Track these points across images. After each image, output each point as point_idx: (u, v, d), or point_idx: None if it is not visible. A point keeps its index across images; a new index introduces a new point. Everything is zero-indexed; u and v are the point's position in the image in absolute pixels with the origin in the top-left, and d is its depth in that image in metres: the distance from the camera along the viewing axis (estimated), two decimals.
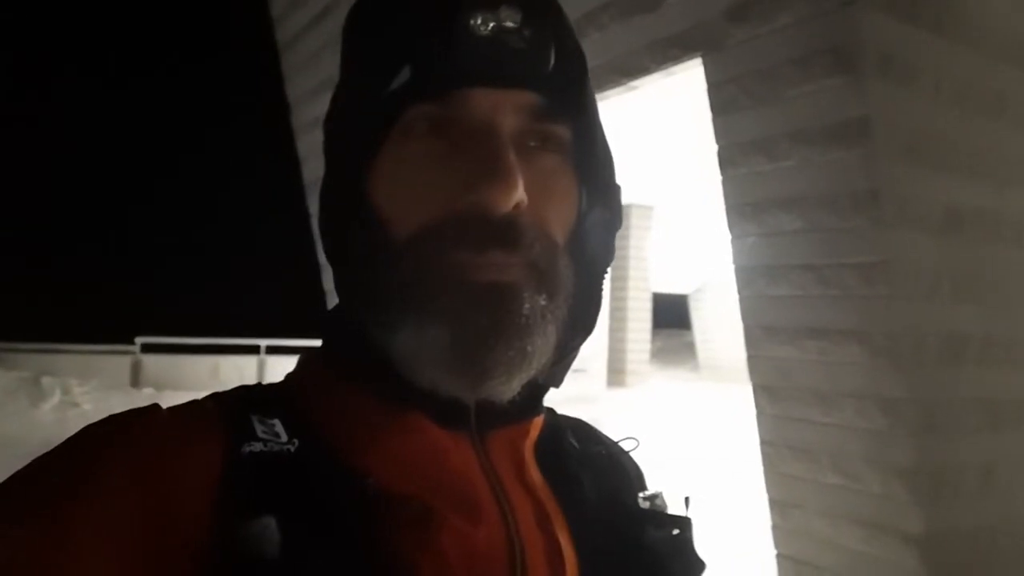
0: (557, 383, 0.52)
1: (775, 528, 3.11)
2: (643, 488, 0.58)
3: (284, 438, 0.44)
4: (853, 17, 2.53)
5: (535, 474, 0.50)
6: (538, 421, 0.52)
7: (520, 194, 0.43)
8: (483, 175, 0.43)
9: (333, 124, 0.50)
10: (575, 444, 0.56)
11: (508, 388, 0.44)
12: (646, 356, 15.15)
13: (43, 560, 0.36)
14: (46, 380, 10.34)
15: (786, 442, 3.00)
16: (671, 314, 20.58)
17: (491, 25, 0.44)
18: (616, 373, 13.84)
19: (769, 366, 3.03)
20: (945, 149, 2.71)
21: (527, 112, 0.46)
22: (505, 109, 0.45)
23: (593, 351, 7.73)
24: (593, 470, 0.55)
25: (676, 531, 0.54)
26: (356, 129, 0.47)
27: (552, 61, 0.46)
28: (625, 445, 0.61)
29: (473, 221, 0.43)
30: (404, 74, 0.44)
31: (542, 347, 0.45)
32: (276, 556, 0.39)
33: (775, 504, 3.09)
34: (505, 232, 0.43)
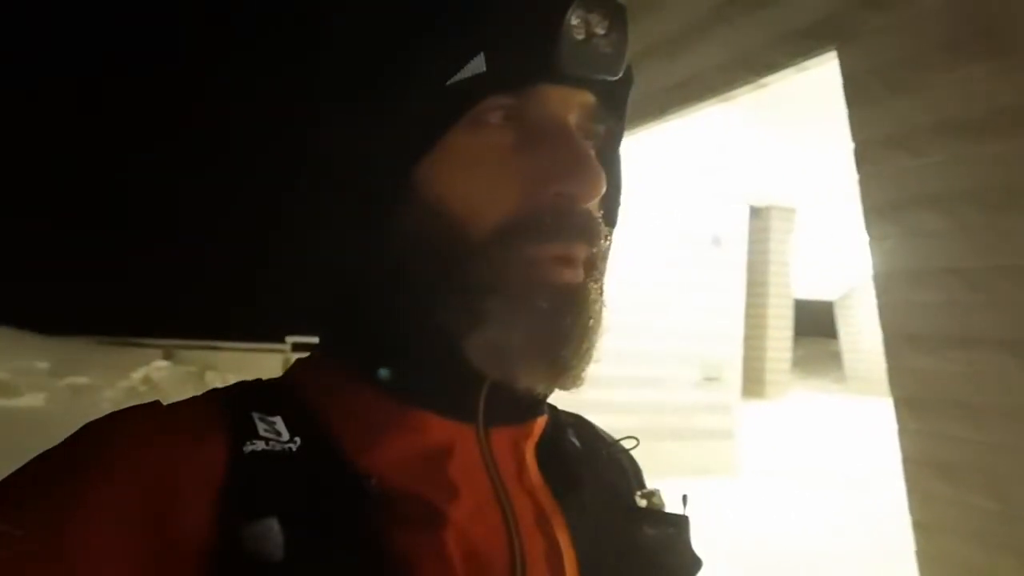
0: (576, 385, 0.52)
1: (919, 553, 2.88)
2: (641, 486, 0.58)
3: (286, 436, 0.44)
4: None
5: (535, 474, 0.50)
6: (542, 421, 0.52)
7: (604, 188, 0.45)
8: (573, 169, 0.44)
9: (365, 107, 0.47)
10: (576, 442, 0.56)
11: (580, 378, 0.46)
12: (787, 365, 14.46)
13: (44, 562, 0.37)
14: (209, 375, 11.30)
15: (931, 460, 2.77)
16: (816, 321, 19.55)
17: (585, 30, 0.45)
18: (753, 383, 13.29)
19: (912, 378, 2.81)
20: None
21: (586, 110, 0.48)
22: (572, 106, 0.47)
23: (726, 359, 7.46)
24: (592, 469, 0.55)
25: (672, 529, 0.54)
26: (409, 115, 0.44)
27: (624, 68, 0.48)
28: (625, 444, 0.61)
29: (562, 213, 0.44)
30: (478, 63, 0.43)
31: (600, 339, 0.47)
32: (279, 556, 0.39)
33: (919, 527, 2.86)
34: (588, 225, 0.46)
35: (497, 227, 0.44)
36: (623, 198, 0.54)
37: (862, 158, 2.92)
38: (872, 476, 7.47)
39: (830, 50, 3.04)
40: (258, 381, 0.50)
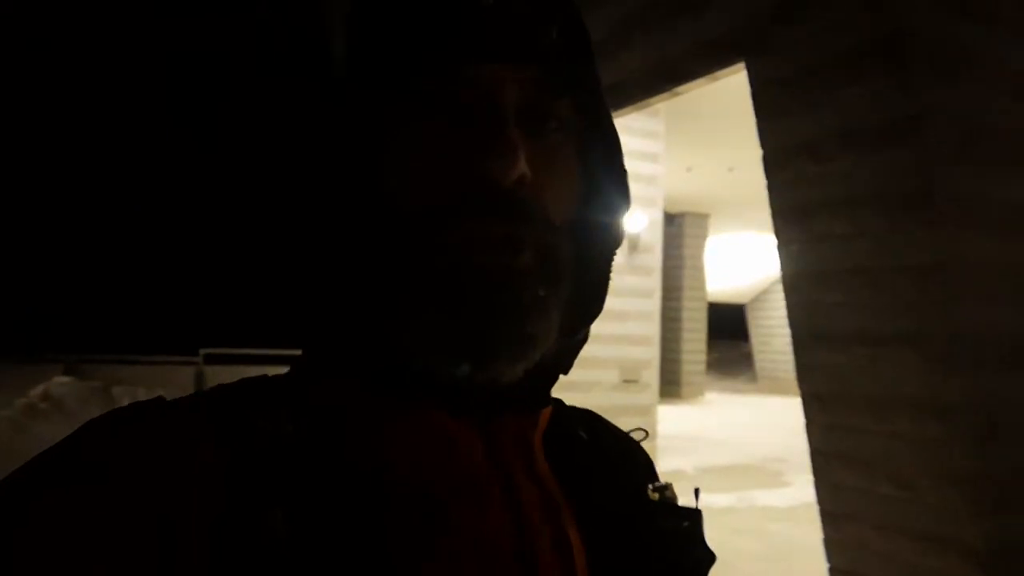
0: (565, 370, 0.51)
1: (827, 541, 3.02)
2: (653, 479, 0.57)
3: (289, 432, 0.43)
4: (901, 12, 2.47)
5: (543, 465, 0.49)
6: (547, 412, 0.51)
7: (522, 168, 0.42)
8: (486, 148, 0.42)
9: (325, 106, 0.47)
10: (584, 435, 0.55)
11: (512, 371, 0.44)
12: (702, 367, 14.91)
13: (48, 569, 0.36)
14: (116, 390, 10.77)
15: (838, 452, 2.91)
16: (729, 324, 20.24)
17: None
18: (670, 384, 13.65)
19: (819, 374, 2.95)
20: (1004, 145, 2.60)
21: (530, 87, 0.45)
22: (508, 83, 0.44)
23: (645, 361, 7.64)
24: (602, 461, 0.54)
25: (686, 523, 0.53)
26: (354, 108, 0.45)
27: (556, 31, 0.46)
28: (634, 436, 0.60)
29: (478, 195, 0.42)
30: (407, 50, 0.43)
31: (544, 331, 0.44)
32: (284, 551, 0.38)
33: (827, 516, 3.00)
34: (510, 206, 0.43)
35: (420, 212, 0.43)
36: (622, 182, 0.51)
37: (770, 165, 3.06)
38: (782, 467, 7.80)
39: (740, 61, 3.18)
40: (262, 377, 0.49)
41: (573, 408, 0.58)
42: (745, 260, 15.59)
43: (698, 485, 0.59)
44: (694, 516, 0.54)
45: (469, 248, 0.42)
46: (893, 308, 2.61)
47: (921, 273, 2.51)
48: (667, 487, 0.55)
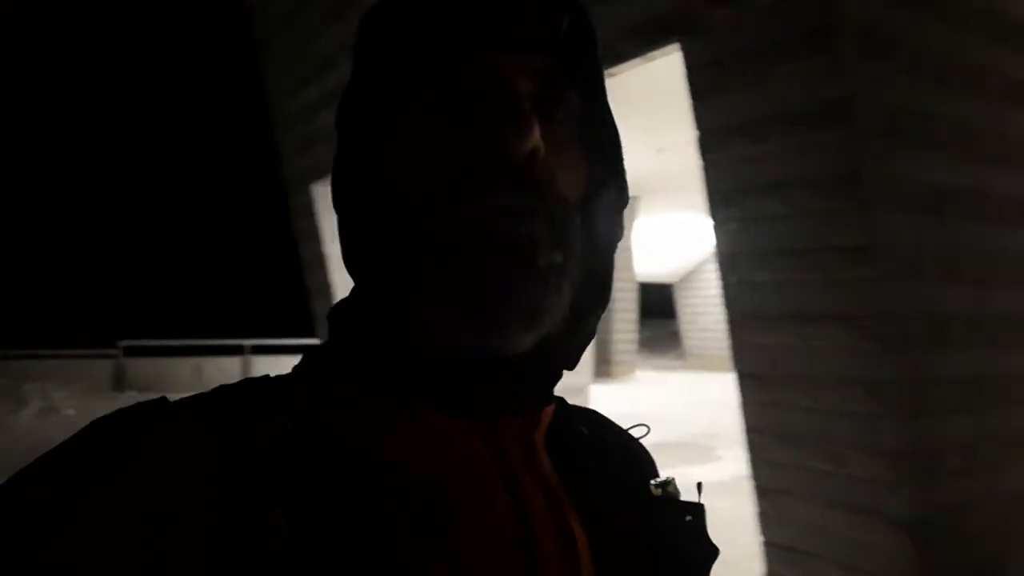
0: (572, 365, 0.52)
1: (761, 515, 3.09)
2: (655, 475, 0.58)
3: (292, 431, 0.43)
4: None
5: (546, 463, 0.49)
6: (549, 410, 0.51)
7: (537, 139, 0.43)
8: (500, 122, 0.43)
9: (348, 102, 0.50)
10: (585, 432, 0.55)
11: (521, 341, 0.44)
12: (633, 347, 15.18)
13: (48, 572, 0.36)
14: (27, 386, 10.23)
15: (772, 429, 2.98)
16: (658, 303, 20.66)
17: None
18: (602, 364, 13.85)
19: (753, 353, 3.01)
20: (927, 127, 2.68)
21: (539, 78, 0.46)
22: (518, 73, 0.45)
23: None
24: (604, 458, 0.54)
25: (688, 517, 0.54)
26: (369, 99, 0.47)
27: (565, 24, 0.47)
28: (635, 432, 0.61)
29: (491, 167, 0.43)
30: (422, 37, 0.44)
31: (556, 303, 0.45)
32: (286, 551, 0.38)
33: (761, 491, 3.08)
34: (523, 176, 0.43)
35: (433, 189, 0.43)
36: (623, 178, 0.53)
37: (705, 146, 3.08)
38: (714, 444, 8.01)
39: (675, 43, 3.18)
40: (264, 377, 0.50)
41: (575, 407, 0.59)
42: (675, 241, 15.89)
43: None
44: (697, 510, 0.54)
45: (481, 219, 0.42)
46: (825, 287, 2.67)
47: (851, 253, 2.57)
48: (669, 482, 0.56)
